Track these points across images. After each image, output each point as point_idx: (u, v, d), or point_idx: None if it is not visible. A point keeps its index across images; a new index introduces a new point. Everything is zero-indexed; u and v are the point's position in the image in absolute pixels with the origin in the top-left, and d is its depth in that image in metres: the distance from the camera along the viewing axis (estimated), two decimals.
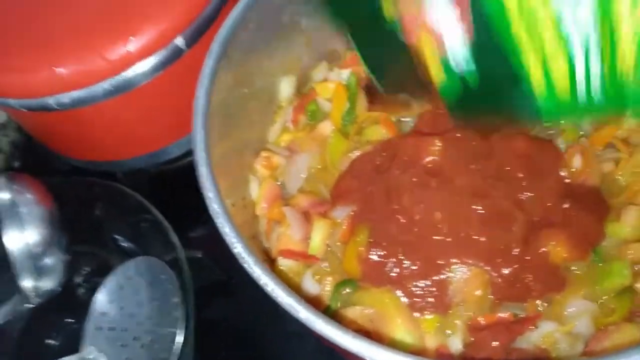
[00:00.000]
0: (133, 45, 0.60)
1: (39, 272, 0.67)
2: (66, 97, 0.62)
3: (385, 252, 0.54)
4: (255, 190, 0.62)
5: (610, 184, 0.56)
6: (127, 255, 0.70)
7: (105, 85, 0.62)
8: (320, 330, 0.39)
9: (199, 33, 0.64)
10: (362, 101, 0.67)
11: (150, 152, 0.74)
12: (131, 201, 0.71)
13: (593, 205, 0.54)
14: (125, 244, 0.74)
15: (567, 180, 0.55)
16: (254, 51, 0.60)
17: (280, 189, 0.63)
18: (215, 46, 0.54)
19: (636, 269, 0.50)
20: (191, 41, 0.63)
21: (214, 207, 0.46)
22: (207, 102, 0.51)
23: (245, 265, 0.43)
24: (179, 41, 0.62)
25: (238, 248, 0.44)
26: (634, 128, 0.56)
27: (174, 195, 0.80)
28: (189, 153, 0.76)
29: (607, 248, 0.52)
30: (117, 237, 0.74)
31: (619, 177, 0.55)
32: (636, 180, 0.54)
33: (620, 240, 0.52)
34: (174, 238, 0.68)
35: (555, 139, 0.59)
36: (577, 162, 0.56)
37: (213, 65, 0.53)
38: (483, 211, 0.54)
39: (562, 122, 0.58)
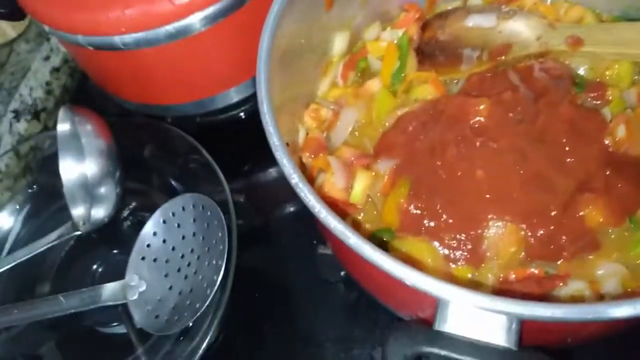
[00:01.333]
0: None
1: (91, 201, 0.72)
2: (131, 37, 0.66)
3: (424, 205, 0.57)
4: (302, 139, 0.65)
5: None
6: (175, 194, 0.74)
7: (169, 28, 0.65)
8: (370, 257, 0.41)
9: None
10: (412, 61, 0.68)
11: (200, 98, 0.78)
12: (182, 142, 0.75)
13: (634, 174, 0.54)
14: (174, 183, 0.78)
15: (610, 149, 0.56)
16: (314, 4, 0.62)
17: (326, 141, 0.65)
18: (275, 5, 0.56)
19: None
20: None
21: (274, 140, 0.48)
22: (270, 46, 0.54)
23: (302, 194, 0.46)
24: None
25: (295, 179, 0.46)
26: None
27: (220, 143, 0.84)
28: (237, 105, 0.80)
29: None
30: (166, 176, 0.78)
31: None
32: None
33: None
34: (222, 179, 0.71)
35: (601, 108, 0.59)
36: (621, 131, 0.56)
37: (277, 12, 0.55)
38: (524, 172, 0.55)
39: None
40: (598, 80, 0.61)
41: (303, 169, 0.63)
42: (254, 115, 0.51)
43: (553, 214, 0.53)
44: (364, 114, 0.66)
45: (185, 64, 0.72)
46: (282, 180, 0.48)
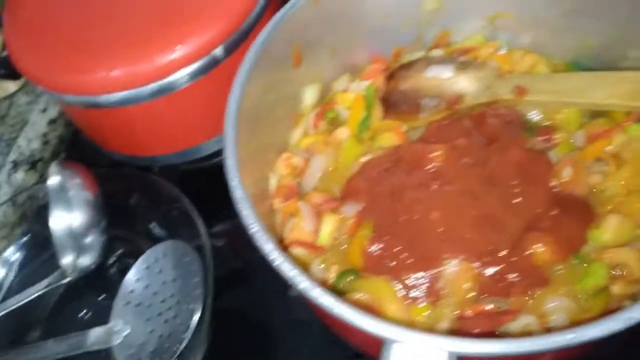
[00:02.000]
0: (179, 53, 0.68)
1: (78, 250, 0.76)
2: (116, 97, 0.71)
3: (385, 246, 0.60)
4: (274, 186, 0.69)
5: (597, 194, 0.60)
6: (158, 240, 0.78)
7: (151, 87, 0.71)
8: (317, 299, 0.45)
9: (237, 44, 0.72)
10: (377, 110, 0.73)
11: (184, 149, 0.83)
12: (165, 191, 0.79)
13: (579, 213, 0.58)
14: (156, 230, 0.82)
15: (556, 190, 0.60)
16: (283, 62, 0.67)
17: (297, 187, 0.70)
18: (248, 57, 0.61)
19: (613, 272, 0.54)
20: (229, 51, 0.72)
21: (237, 193, 0.53)
22: (237, 107, 0.59)
23: (259, 243, 0.50)
24: (219, 51, 0.70)
25: (254, 228, 0.50)
26: (625, 143, 0.60)
27: (203, 190, 0.88)
28: (219, 153, 0.85)
29: (587, 252, 0.56)
30: (150, 223, 0.82)
31: (606, 189, 0.59)
32: (621, 192, 0.58)
33: (600, 245, 0.56)
34: (201, 226, 0.75)
35: (548, 151, 0.63)
36: (567, 172, 0.60)
37: (245, 74, 0.60)
38: (476, 213, 0.59)
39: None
40: (547, 124, 0.65)
41: (272, 215, 0.67)
42: None
43: (503, 252, 0.57)
44: (332, 160, 0.71)
45: (168, 119, 0.77)
46: None
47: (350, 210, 0.64)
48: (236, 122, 0.59)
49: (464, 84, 0.68)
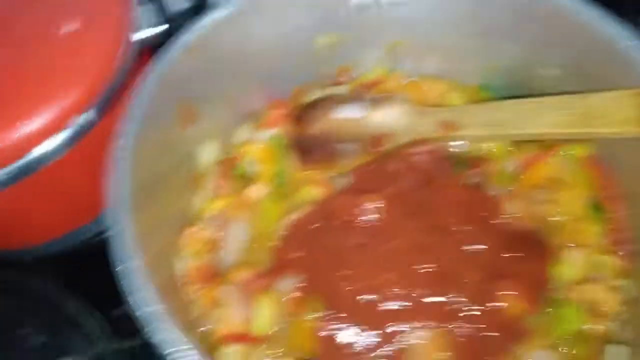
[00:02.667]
0: (38, 122, 0.53)
1: None
2: None
3: (337, 326, 0.51)
4: (184, 269, 0.57)
5: (546, 225, 0.57)
6: (42, 354, 0.61)
7: (7, 170, 0.54)
8: None
9: (110, 101, 0.58)
10: (291, 160, 0.64)
11: (62, 234, 0.66)
12: (43, 292, 0.63)
13: (536, 250, 0.54)
14: (39, 342, 0.64)
15: (505, 227, 0.56)
16: (169, 122, 0.56)
17: (214, 265, 0.58)
18: (127, 118, 0.49)
19: (585, 310, 0.51)
20: (102, 112, 0.58)
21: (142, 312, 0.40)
22: (120, 178, 0.47)
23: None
24: (90, 114, 0.56)
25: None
26: (561, 165, 0.58)
27: (91, 278, 0.72)
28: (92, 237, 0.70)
29: (555, 292, 0.53)
30: (28, 335, 0.64)
31: (554, 217, 0.56)
32: (569, 219, 0.56)
33: (566, 282, 0.53)
34: (95, 330, 0.60)
35: (485, 185, 0.59)
36: (512, 207, 0.56)
37: (126, 138, 0.48)
38: (430, 269, 0.52)
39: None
40: (476, 155, 0.61)
41: (188, 308, 0.55)
42: None
43: (468, 311, 0.51)
44: (252, 225, 0.60)
45: (34, 204, 0.61)
46: None
47: (287, 285, 0.55)
48: (121, 196, 0.47)
49: (382, 123, 0.61)
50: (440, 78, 0.69)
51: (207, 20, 0.55)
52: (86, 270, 0.73)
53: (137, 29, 0.61)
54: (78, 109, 0.55)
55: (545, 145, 0.60)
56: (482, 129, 0.57)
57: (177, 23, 0.64)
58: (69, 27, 0.57)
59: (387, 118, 0.61)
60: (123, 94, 0.59)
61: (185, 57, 0.55)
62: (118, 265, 0.44)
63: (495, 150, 0.61)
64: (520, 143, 0.62)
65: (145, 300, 0.43)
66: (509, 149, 0.61)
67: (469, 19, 0.61)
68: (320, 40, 0.64)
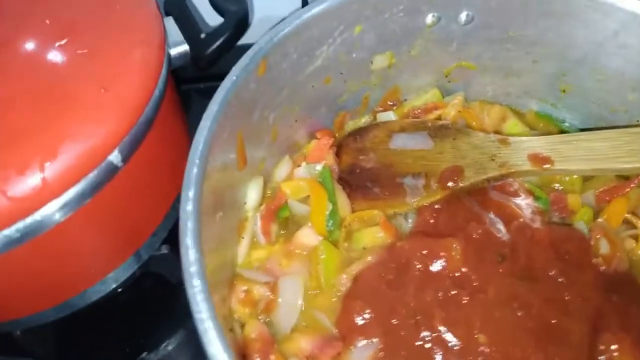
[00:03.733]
0: (51, 172, 0.43)
1: None
2: None
3: None
4: (240, 340, 0.48)
5: (635, 263, 0.51)
6: None
7: (9, 232, 0.43)
8: None
9: (135, 145, 0.48)
10: (343, 198, 0.56)
11: (63, 300, 0.55)
12: None
13: (637, 294, 0.49)
14: None
15: (601, 269, 0.50)
16: (227, 167, 0.47)
17: (269, 330, 0.49)
18: (193, 167, 0.40)
19: None
20: (127, 156, 0.48)
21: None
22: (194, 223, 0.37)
23: None
24: (114, 157, 0.46)
25: None
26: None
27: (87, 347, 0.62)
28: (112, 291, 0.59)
29: None
30: None
31: None
32: None
33: None
34: None
35: (569, 222, 0.53)
36: (604, 247, 0.51)
37: (195, 178, 0.39)
38: (531, 325, 0.46)
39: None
40: (554, 188, 0.55)
41: None
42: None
43: None
44: (308, 280, 0.52)
45: (38, 269, 0.50)
46: None
47: (364, 354, 0.46)
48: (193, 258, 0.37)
49: (455, 156, 0.54)
50: (496, 103, 0.62)
51: (275, 36, 0.47)
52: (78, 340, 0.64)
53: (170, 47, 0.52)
54: (108, 148, 0.45)
55: (623, 176, 0.54)
56: (582, 164, 0.51)
57: (211, 43, 0.55)
58: (97, 49, 0.47)
59: (461, 149, 0.54)
60: (150, 134, 0.50)
61: (251, 80, 0.46)
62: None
63: (571, 182, 0.56)
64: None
65: None
66: (581, 180, 0.55)
67: (542, 40, 0.55)
68: (377, 60, 0.56)
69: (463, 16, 0.55)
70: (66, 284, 0.54)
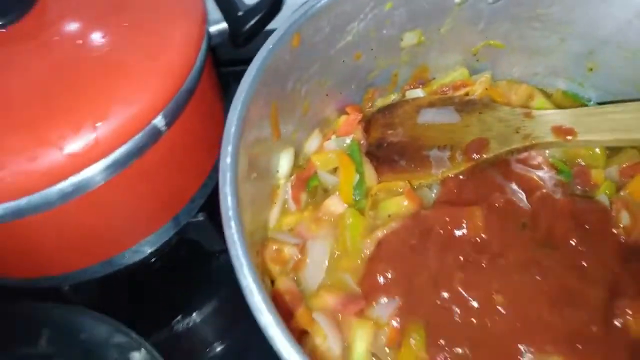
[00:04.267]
0: (102, 131, 0.47)
1: None
2: (8, 208, 0.47)
3: (449, 355, 0.46)
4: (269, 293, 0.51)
5: None
6: None
7: (62, 186, 0.48)
8: None
9: (178, 111, 0.52)
10: (369, 170, 0.59)
11: (105, 259, 0.60)
12: (91, 326, 0.56)
13: None
14: None
15: (621, 239, 0.51)
16: (262, 127, 0.50)
17: (298, 287, 0.52)
18: (232, 125, 0.43)
19: None
20: (170, 121, 0.52)
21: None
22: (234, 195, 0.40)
23: None
24: (159, 121, 0.50)
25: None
26: None
27: (135, 301, 0.66)
28: (150, 254, 0.63)
29: None
30: None
31: None
32: None
33: None
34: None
35: (592, 195, 0.54)
36: (625, 218, 0.52)
37: (234, 146, 0.43)
38: (548, 288, 0.47)
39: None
40: (577, 162, 0.57)
41: None
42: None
43: (595, 332, 0.46)
44: (334, 243, 0.54)
45: (86, 225, 0.54)
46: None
47: (385, 311, 0.49)
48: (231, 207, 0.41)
49: (484, 128, 0.56)
50: (525, 82, 0.64)
51: (309, 10, 0.50)
52: (123, 294, 0.68)
53: (209, 24, 0.56)
54: (152, 113, 0.49)
55: None
56: (606, 135, 0.52)
57: (247, 21, 0.59)
58: (143, 23, 0.51)
59: (487, 122, 0.56)
60: (192, 100, 0.54)
61: (285, 51, 0.49)
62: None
63: (594, 157, 0.57)
64: (618, 150, 0.57)
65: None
66: (606, 154, 0.56)
67: (569, 19, 0.56)
68: (407, 37, 0.59)
69: None
70: (110, 242, 0.58)
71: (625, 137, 0.51)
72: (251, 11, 0.60)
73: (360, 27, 0.55)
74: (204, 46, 0.55)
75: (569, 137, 0.52)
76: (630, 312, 0.47)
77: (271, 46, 0.47)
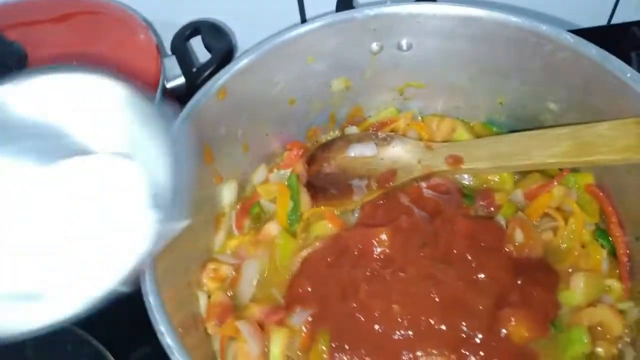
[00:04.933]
0: None
1: None
2: None
3: (349, 357, 0.52)
4: (204, 306, 0.59)
5: (552, 251, 0.58)
6: None
7: None
8: None
9: None
10: (305, 198, 0.67)
11: None
12: (65, 335, 0.65)
13: (543, 277, 0.55)
14: None
15: (513, 255, 0.57)
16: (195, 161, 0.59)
17: (231, 301, 0.60)
18: None
19: (592, 334, 0.51)
20: None
21: (167, 342, 0.43)
22: None
23: None
24: None
25: None
26: (565, 195, 0.59)
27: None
28: None
29: (563, 317, 0.53)
30: None
31: (559, 245, 0.57)
32: (574, 245, 0.57)
33: (573, 307, 0.53)
34: None
35: (494, 215, 0.61)
36: (518, 236, 0.57)
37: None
38: (440, 299, 0.54)
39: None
40: (484, 187, 0.63)
41: (208, 343, 0.57)
42: None
43: (479, 338, 0.51)
44: (267, 262, 0.63)
45: None
46: None
47: (299, 319, 0.56)
48: None
49: (393, 159, 0.64)
50: (448, 116, 0.71)
51: (232, 68, 0.59)
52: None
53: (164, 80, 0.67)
54: None
55: (549, 175, 0.61)
56: (488, 162, 0.59)
57: (200, 75, 0.70)
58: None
59: (395, 154, 0.64)
60: None
61: (212, 103, 0.58)
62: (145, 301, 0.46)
63: (502, 181, 0.63)
64: (525, 174, 0.63)
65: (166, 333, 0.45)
66: (515, 179, 0.62)
67: (473, 60, 0.64)
68: (334, 84, 0.67)
69: (404, 43, 0.65)
70: None
71: (503, 164, 0.58)
72: (203, 67, 0.71)
73: (287, 78, 0.64)
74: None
75: (456, 165, 0.59)
76: (513, 320, 0.52)
77: (195, 101, 0.57)
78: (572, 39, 0.57)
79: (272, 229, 0.65)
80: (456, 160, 0.60)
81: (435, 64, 0.66)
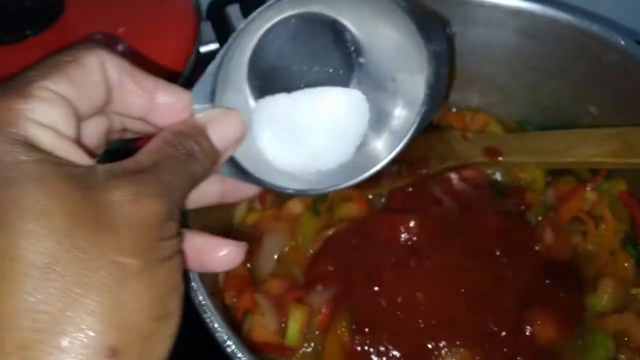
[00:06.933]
0: None
1: None
2: None
3: (369, 340, 0.52)
4: (222, 277, 0.58)
5: (580, 255, 0.57)
6: None
7: None
8: None
9: None
10: None
11: None
12: None
13: (570, 280, 0.54)
14: None
15: (541, 256, 0.56)
16: None
17: (250, 274, 0.59)
18: None
19: (617, 340, 0.51)
20: None
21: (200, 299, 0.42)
22: None
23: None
24: None
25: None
26: (596, 201, 0.59)
27: None
28: None
29: (587, 321, 0.53)
30: None
31: (588, 249, 0.57)
32: (603, 251, 0.56)
33: (598, 312, 0.53)
34: None
35: (524, 214, 0.60)
36: (549, 236, 0.57)
37: None
38: (466, 291, 0.53)
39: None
40: (516, 184, 0.62)
41: (226, 313, 0.56)
42: None
43: (503, 335, 0.51)
44: (289, 238, 0.61)
45: None
46: None
47: (320, 298, 0.55)
48: None
49: (427, 146, 0.63)
50: (483, 111, 0.70)
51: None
52: None
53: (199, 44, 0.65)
54: None
55: (583, 179, 0.60)
56: (526, 156, 0.58)
57: None
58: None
59: (433, 143, 0.63)
60: None
61: None
62: None
63: (534, 181, 0.62)
64: (558, 176, 0.62)
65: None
66: (544, 179, 0.62)
67: (516, 55, 0.63)
68: None
69: (446, 31, 0.64)
70: None
71: (542, 160, 0.57)
72: None
73: None
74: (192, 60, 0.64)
75: (493, 157, 0.59)
76: (539, 321, 0.51)
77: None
78: (622, 41, 0.56)
79: (295, 206, 0.64)
80: (494, 152, 0.59)
81: (476, 55, 0.65)
